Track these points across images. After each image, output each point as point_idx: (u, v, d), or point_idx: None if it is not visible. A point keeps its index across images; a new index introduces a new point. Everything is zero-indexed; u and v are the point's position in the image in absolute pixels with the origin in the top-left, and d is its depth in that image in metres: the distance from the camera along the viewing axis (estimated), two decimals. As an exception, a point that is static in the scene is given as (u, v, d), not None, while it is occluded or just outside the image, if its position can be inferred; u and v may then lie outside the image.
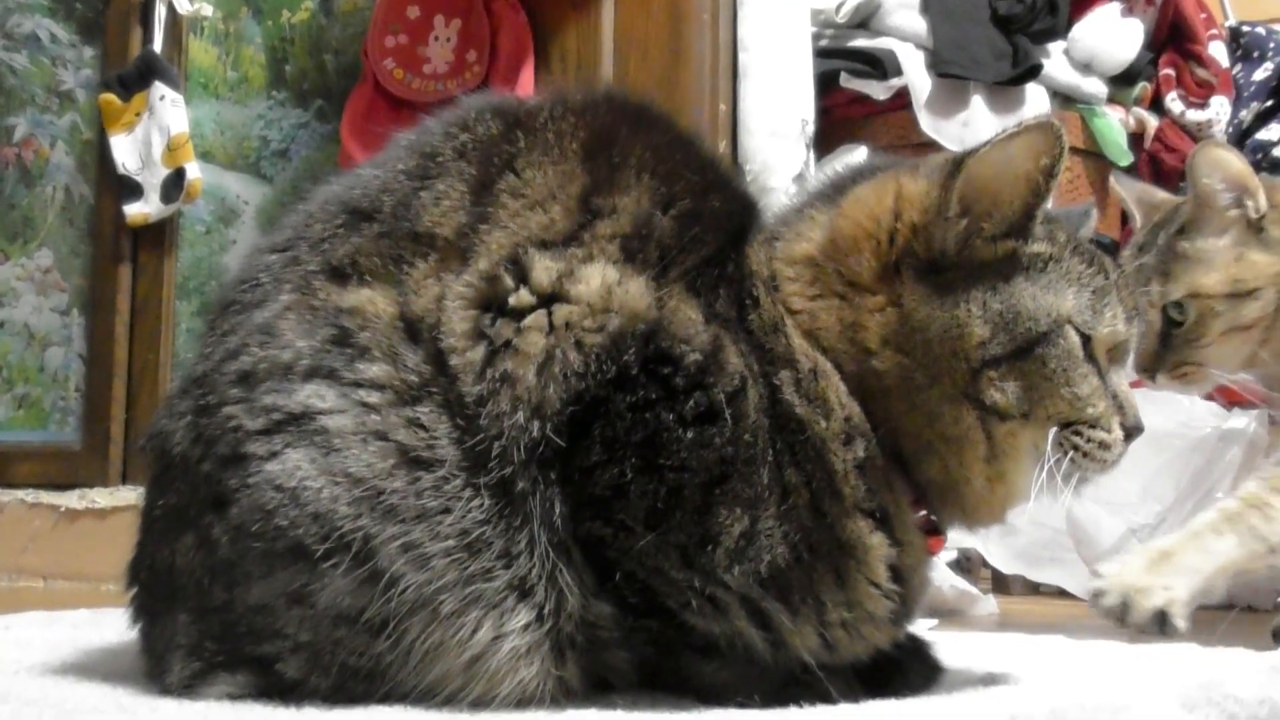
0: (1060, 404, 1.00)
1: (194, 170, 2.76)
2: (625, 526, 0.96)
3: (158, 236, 2.85)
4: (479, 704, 0.93)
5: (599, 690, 1.00)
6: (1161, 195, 1.91)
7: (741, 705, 0.95)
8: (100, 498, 2.38)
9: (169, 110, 2.78)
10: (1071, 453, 1.01)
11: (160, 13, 2.83)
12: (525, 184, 1.02)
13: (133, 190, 2.82)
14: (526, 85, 2.51)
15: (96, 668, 1.10)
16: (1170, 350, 1.68)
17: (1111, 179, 2.26)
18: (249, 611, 0.96)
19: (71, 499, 2.43)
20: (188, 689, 0.97)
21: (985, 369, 0.99)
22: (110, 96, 2.84)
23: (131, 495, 2.40)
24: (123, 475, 2.84)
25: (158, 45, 2.83)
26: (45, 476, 2.82)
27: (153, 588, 1.05)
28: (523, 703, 0.94)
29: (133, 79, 2.83)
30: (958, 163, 1.01)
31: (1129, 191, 1.90)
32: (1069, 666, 1.21)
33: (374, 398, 0.96)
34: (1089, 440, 1.01)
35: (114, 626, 1.15)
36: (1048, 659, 1.30)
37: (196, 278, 2.85)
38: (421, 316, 0.98)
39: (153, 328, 2.86)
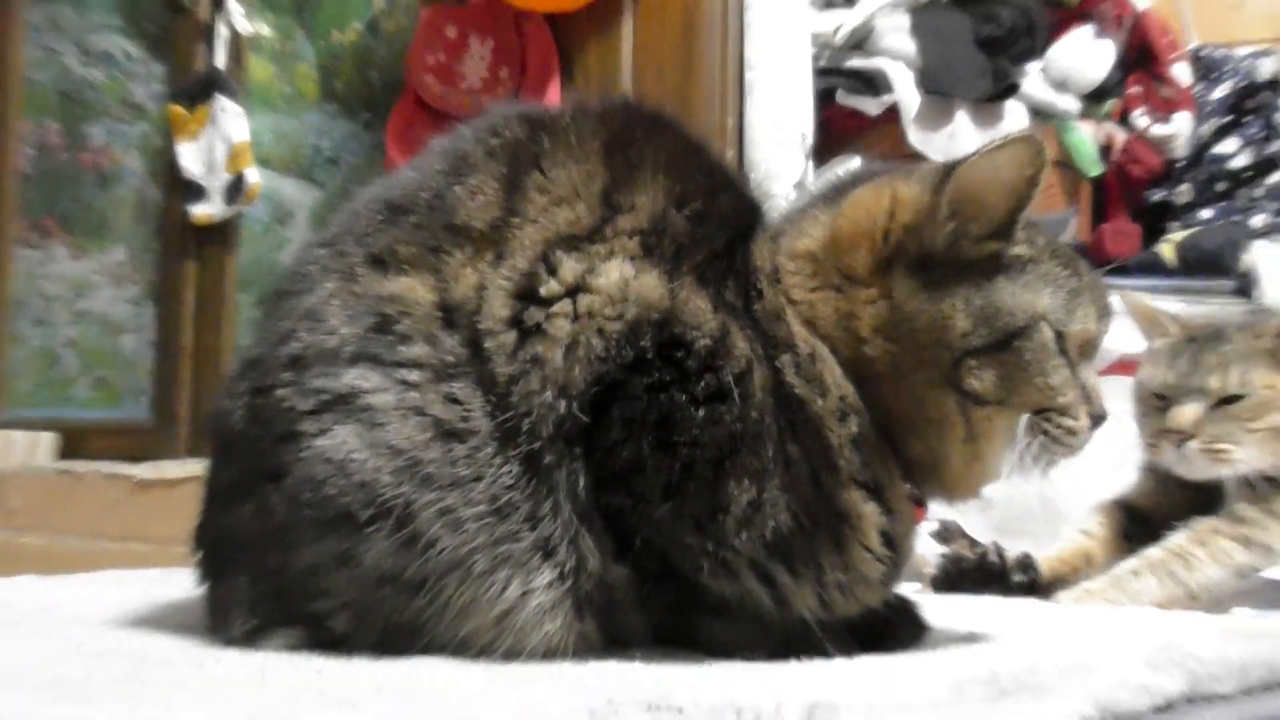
0: (1034, 392, 1.00)
1: (253, 175, 2.76)
2: (644, 498, 0.96)
3: (220, 235, 2.85)
4: (509, 655, 0.93)
5: (617, 645, 1.00)
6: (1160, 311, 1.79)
7: (747, 659, 0.95)
8: (169, 470, 2.38)
9: (230, 121, 2.78)
10: (1042, 437, 1.01)
11: (223, 32, 2.83)
12: (551, 181, 1.02)
13: (198, 193, 2.82)
14: (553, 98, 2.50)
15: (166, 621, 1.10)
16: (1215, 422, 1.56)
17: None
18: (302, 572, 0.96)
19: (143, 470, 2.43)
20: (248, 642, 0.97)
21: (966, 358, 0.99)
22: (178, 108, 2.84)
23: (197, 467, 2.40)
24: (189, 449, 2.85)
25: (220, 62, 2.84)
26: (119, 450, 2.82)
27: (216, 551, 1.05)
28: (548, 654, 0.94)
29: (198, 92, 2.84)
30: (949, 170, 1.00)
31: (1128, 302, 1.78)
32: (1041, 628, 1.21)
33: (414, 376, 0.96)
34: (1058, 426, 1.01)
35: (181, 585, 1.15)
36: (1022, 621, 1.29)
37: (255, 272, 2.85)
38: (460, 303, 0.97)
39: (215, 317, 2.87)
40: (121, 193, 2.98)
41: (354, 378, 0.96)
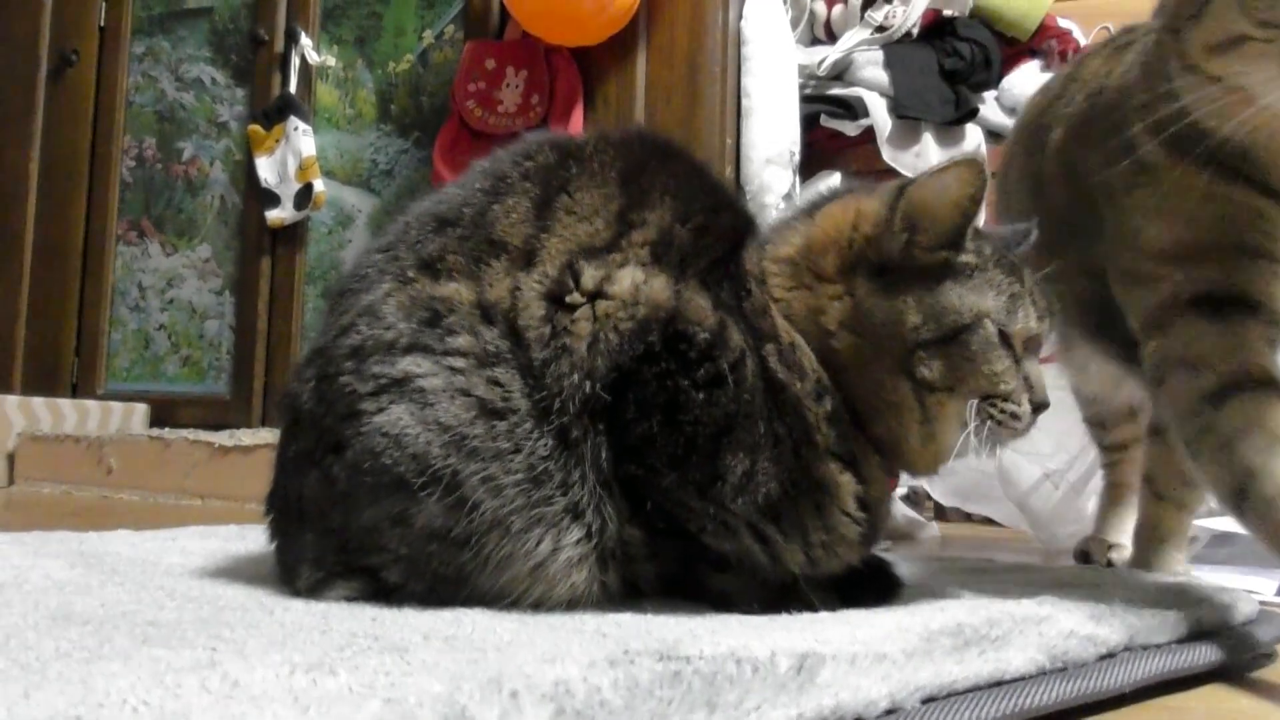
0: (979, 380, 0.99)
1: (320, 185, 2.75)
2: (654, 468, 0.95)
3: (291, 236, 2.84)
4: (539, 603, 0.93)
5: (632, 595, 0.99)
6: None
7: (745, 611, 0.94)
8: (245, 437, 2.37)
9: (301, 138, 2.76)
10: (988, 420, 1.00)
11: (295, 62, 2.81)
12: (576, 203, 1.02)
13: (272, 200, 2.81)
14: (577, 123, 2.48)
15: (242, 573, 1.09)
16: None
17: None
18: (360, 531, 0.96)
19: (223, 438, 2.42)
20: (313, 592, 0.96)
21: (917, 350, 0.98)
22: (256, 127, 2.82)
23: (268, 436, 2.40)
24: (262, 419, 2.84)
25: (293, 87, 2.82)
26: (202, 420, 2.82)
27: (285, 513, 1.05)
28: (573, 602, 0.93)
29: (274, 114, 2.82)
30: (901, 189, 1.01)
31: None
32: (999, 584, 1.19)
33: (459, 363, 0.95)
34: (1002, 411, 1.00)
35: (255, 540, 1.14)
36: (983, 577, 1.28)
37: (320, 268, 2.83)
38: (495, 303, 0.97)
39: (286, 306, 2.85)
40: (207, 199, 2.97)
41: (408, 364, 0.96)
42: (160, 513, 2.23)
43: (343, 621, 0.83)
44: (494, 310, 0.96)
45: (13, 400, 2.62)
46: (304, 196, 2.76)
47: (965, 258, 1.01)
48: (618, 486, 0.97)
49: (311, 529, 0.98)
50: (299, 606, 0.90)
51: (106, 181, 3.04)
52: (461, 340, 0.95)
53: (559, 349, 0.95)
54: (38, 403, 2.66)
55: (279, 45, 2.87)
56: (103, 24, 3.03)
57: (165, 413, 2.90)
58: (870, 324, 0.99)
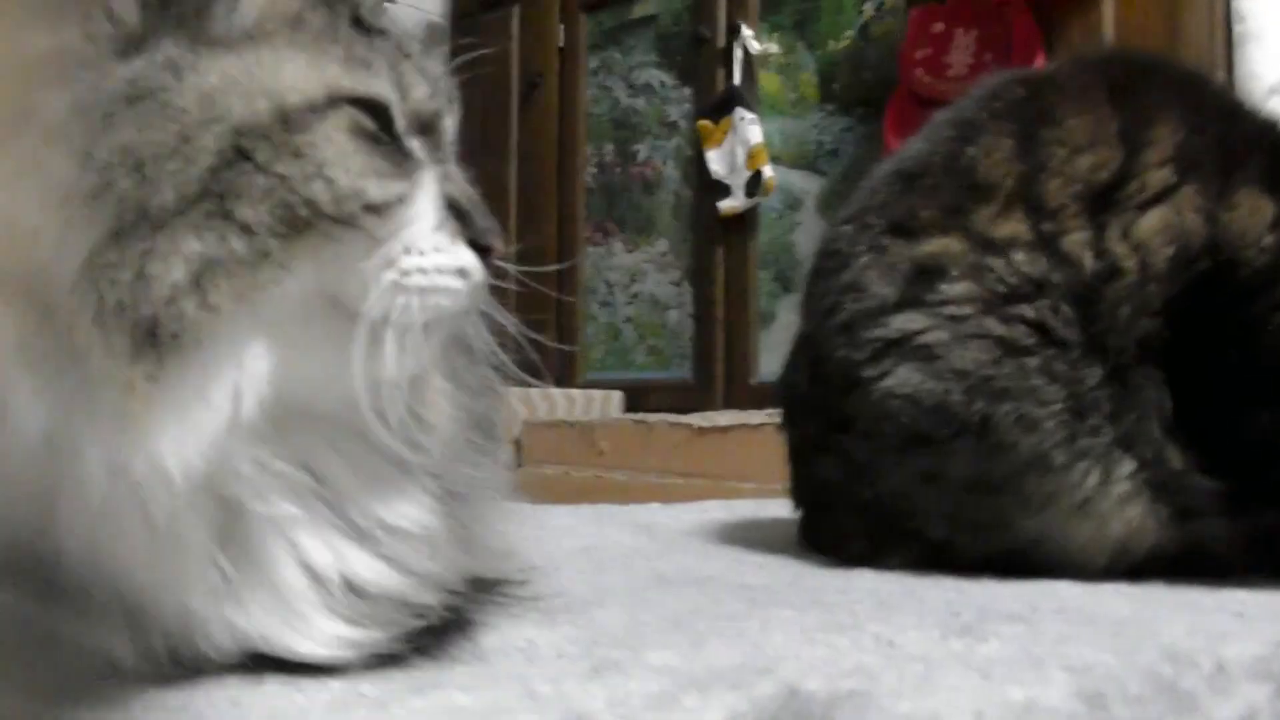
0: None
1: (768, 171, 2.83)
2: (1243, 408, 0.86)
3: (742, 223, 2.95)
4: (1088, 545, 0.87)
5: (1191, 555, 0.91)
6: None
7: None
8: (720, 419, 2.50)
9: (748, 127, 2.86)
10: None
11: (738, 54, 2.91)
12: (1067, 132, 0.94)
13: (724, 190, 2.94)
14: (1038, 76, 2.35)
15: (782, 542, 1.14)
16: None
17: None
18: (891, 498, 0.96)
19: (698, 419, 2.57)
20: (863, 563, 0.98)
21: None
22: (705, 122, 2.97)
23: (741, 417, 2.51)
24: (725, 401, 2.98)
25: (737, 79, 2.92)
26: (669, 404, 3.00)
27: (814, 501, 1.07)
28: (1125, 545, 0.87)
29: (720, 107, 2.94)
30: None
31: None
32: None
33: (964, 309, 0.92)
34: None
35: (775, 512, 1.18)
36: None
37: (772, 252, 2.92)
38: (1005, 243, 0.92)
39: (741, 292, 2.97)
40: (662, 196, 3.16)
41: (902, 322, 0.94)
42: (651, 490, 2.41)
43: (926, 591, 0.83)
44: (1004, 250, 0.92)
45: (516, 392, 2.96)
46: (754, 184, 2.86)
47: None
48: (1181, 430, 0.89)
49: (843, 508, 1.00)
50: (867, 575, 0.92)
51: (573, 189, 3.34)
52: (959, 288, 0.92)
53: (1099, 279, 0.89)
54: (534, 393, 2.98)
55: (721, 41, 2.99)
56: (561, 45, 3.33)
57: (636, 399, 3.13)
58: None
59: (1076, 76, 0.98)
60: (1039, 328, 0.90)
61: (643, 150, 3.20)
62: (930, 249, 0.95)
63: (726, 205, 2.93)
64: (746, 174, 2.88)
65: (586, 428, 2.69)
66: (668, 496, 2.35)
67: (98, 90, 0.48)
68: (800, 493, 1.09)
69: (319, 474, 0.57)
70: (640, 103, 3.21)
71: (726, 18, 2.98)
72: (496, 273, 0.60)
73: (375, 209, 0.53)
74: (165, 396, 0.47)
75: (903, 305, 0.94)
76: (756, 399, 2.84)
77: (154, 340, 0.46)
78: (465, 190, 0.60)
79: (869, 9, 2.74)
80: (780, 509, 1.23)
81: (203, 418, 0.48)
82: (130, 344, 0.46)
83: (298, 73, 0.52)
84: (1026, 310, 0.91)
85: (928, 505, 0.93)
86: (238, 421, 0.50)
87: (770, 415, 2.51)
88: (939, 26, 2.51)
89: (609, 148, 3.28)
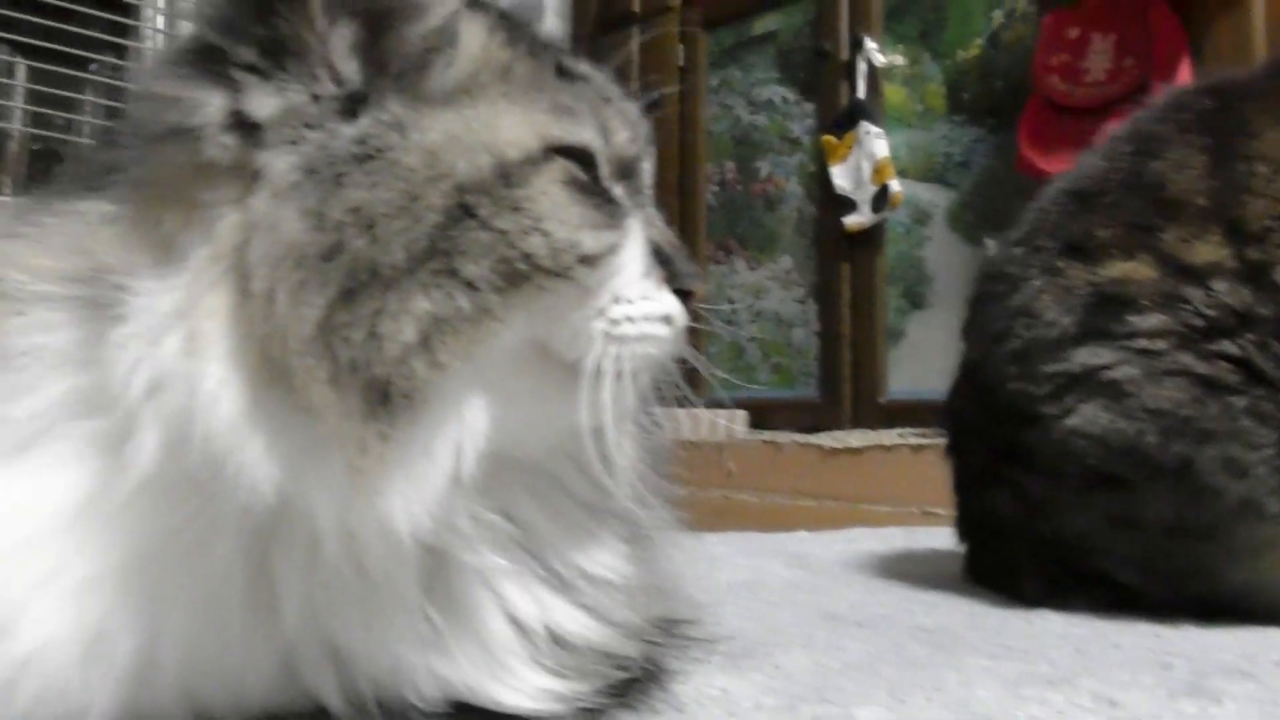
0: None
1: (895, 185, 2.78)
2: None
3: (869, 239, 2.90)
4: None
5: None
6: None
7: None
8: (852, 439, 2.46)
9: (873, 141, 2.82)
10: None
11: (862, 68, 2.87)
12: (1268, 145, 0.88)
13: (849, 206, 2.89)
14: (1184, 78, 2.25)
15: (943, 576, 1.11)
16: None
17: None
18: (1076, 537, 0.92)
19: (829, 439, 2.53)
20: (1039, 602, 0.94)
21: None
22: (829, 137, 2.93)
23: (875, 437, 2.46)
24: (853, 421, 2.92)
25: (861, 93, 2.88)
26: (795, 423, 2.96)
27: (983, 532, 1.04)
28: None
29: (844, 121, 2.90)
30: None
31: None
32: None
33: (1157, 344, 0.87)
34: None
35: (924, 542, 1.15)
36: None
37: (900, 268, 2.86)
38: (1204, 270, 0.87)
39: (868, 308, 2.92)
40: (785, 212, 3.13)
41: (1085, 356, 0.90)
42: (780, 513, 2.38)
43: (1122, 636, 0.80)
44: (1203, 278, 0.87)
45: (639, 412, 2.95)
46: (880, 198, 2.81)
47: None
48: None
49: (1017, 542, 0.96)
50: (1052, 616, 0.89)
51: (695, 207, 3.33)
52: (1152, 320, 0.87)
53: None
54: (659, 413, 2.97)
55: (844, 54, 2.95)
56: (681, 64, 3.33)
57: (761, 418, 3.10)
58: None
59: (1273, 85, 0.93)
60: (1244, 365, 0.85)
61: (764, 167, 3.18)
62: (1114, 274, 0.90)
63: (852, 221, 2.88)
64: (872, 189, 2.83)
65: (714, 448, 2.67)
66: (799, 519, 2.32)
67: (327, 151, 0.48)
68: (967, 525, 1.05)
69: (521, 523, 0.57)
70: (761, 119, 3.18)
71: (849, 31, 2.94)
72: (695, 315, 0.59)
73: (589, 260, 0.53)
74: (395, 455, 0.47)
75: (1085, 337, 0.91)
76: (886, 417, 2.78)
77: (386, 399, 0.47)
78: (666, 234, 0.59)
79: (998, 16, 2.67)
80: (932, 538, 1.20)
81: (429, 474, 0.49)
82: (363, 404, 0.46)
83: (513, 126, 0.52)
84: (1229, 346, 0.86)
85: (1117, 548, 0.89)
86: (458, 476, 0.51)
87: (902, 435, 2.46)
88: (1074, 31, 2.43)
89: (730, 165, 3.26)
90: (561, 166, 0.53)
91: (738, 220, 3.26)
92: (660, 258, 0.58)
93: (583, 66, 0.60)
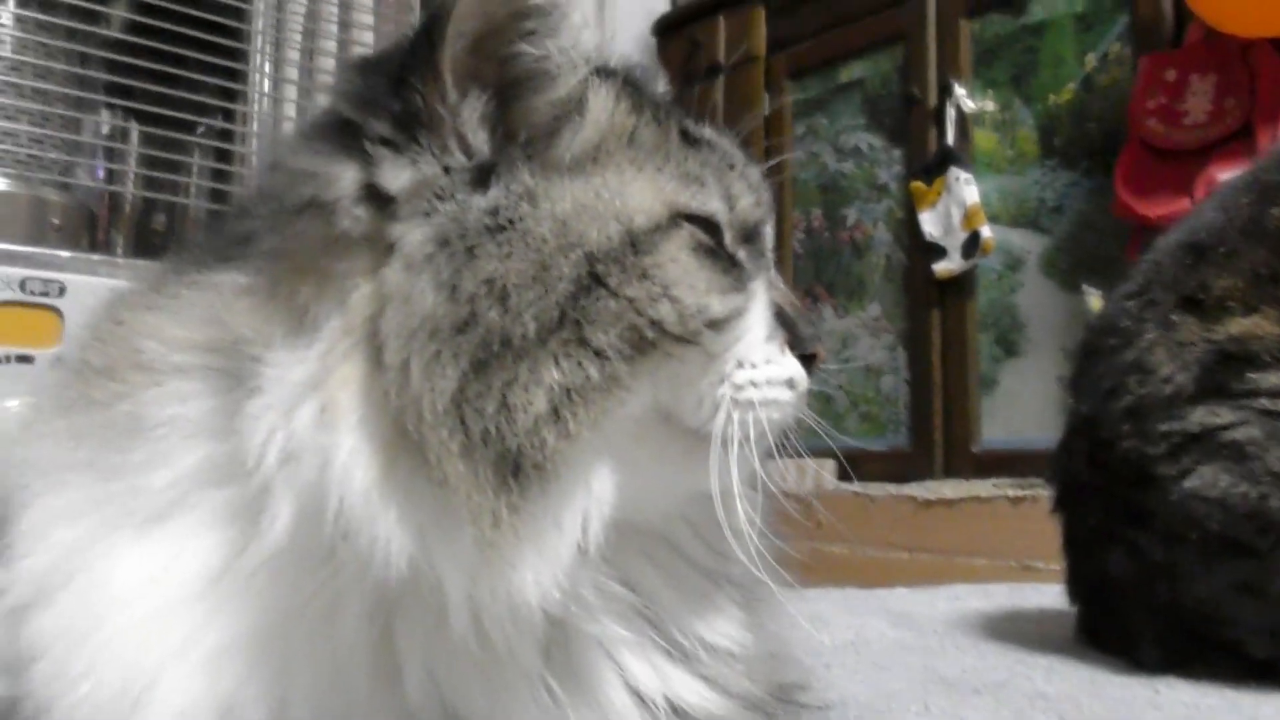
0: None
1: (986, 231, 2.74)
2: None
3: (960, 285, 2.86)
4: None
5: None
6: None
7: None
8: (946, 490, 2.41)
9: (963, 187, 2.79)
10: None
11: (951, 113, 2.85)
12: None
13: (939, 252, 2.86)
14: (1290, 120, 2.19)
15: (1055, 637, 1.07)
16: None
17: None
18: (1199, 604, 0.89)
19: (923, 490, 2.48)
20: (1161, 668, 0.91)
21: None
22: (918, 183, 2.90)
23: (970, 488, 2.41)
24: (945, 470, 2.86)
25: (950, 139, 2.85)
26: (885, 473, 2.92)
27: (1097, 593, 1.00)
28: None
29: (934, 168, 2.88)
30: None
31: None
32: None
33: (1277, 404, 0.84)
34: None
35: (1032, 600, 1.11)
36: None
37: (992, 315, 2.81)
38: None
39: (960, 356, 2.87)
40: (873, 259, 3.11)
41: (1203, 415, 0.87)
42: (873, 566, 2.34)
43: (1259, 709, 0.76)
44: None
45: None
46: (971, 244, 2.77)
47: None
48: None
49: (1135, 606, 0.93)
50: (1179, 686, 0.85)
51: (782, 255, 3.32)
52: (1275, 378, 0.84)
53: None
54: (747, 462, 2.96)
55: (932, 100, 2.93)
56: (767, 113, 3.34)
57: (849, 467, 3.05)
58: None
59: None
60: None
61: (851, 214, 3.16)
62: (1234, 329, 0.88)
63: (942, 267, 2.84)
64: (963, 235, 2.79)
65: (804, 499, 2.64)
66: (893, 573, 2.27)
67: (459, 222, 0.49)
68: (1080, 586, 1.02)
69: (641, 591, 0.57)
70: (849, 166, 3.17)
71: (937, 77, 2.93)
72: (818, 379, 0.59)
73: (715, 324, 0.53)
74: (527, 527, 0.47)
75: (1203, 395, 0.88)
76: (979, 467, 2.72)
77: (517, 470, 0.47)
78: (788, 297, 0.59)
79: (1091, 60, 2.63)
80: (1038, 595, 1.17)
81: (559, 545, 0.49)
82: (495, 475, 0.47)
83: (641, 193, 0.53)
84: None
85: (1245, 618, 0.86)
86: (585, 546, 0.50)
87: (998, 486, 2.40)
88: (1172, 74, 2.38)
89: (816, 212, 3.26)
90: (688, 233, 0.53)
91: (825, 267, 3.24)
92: (783, 320, 0.58)
93: (706, 131, 0.60)
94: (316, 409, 0.49)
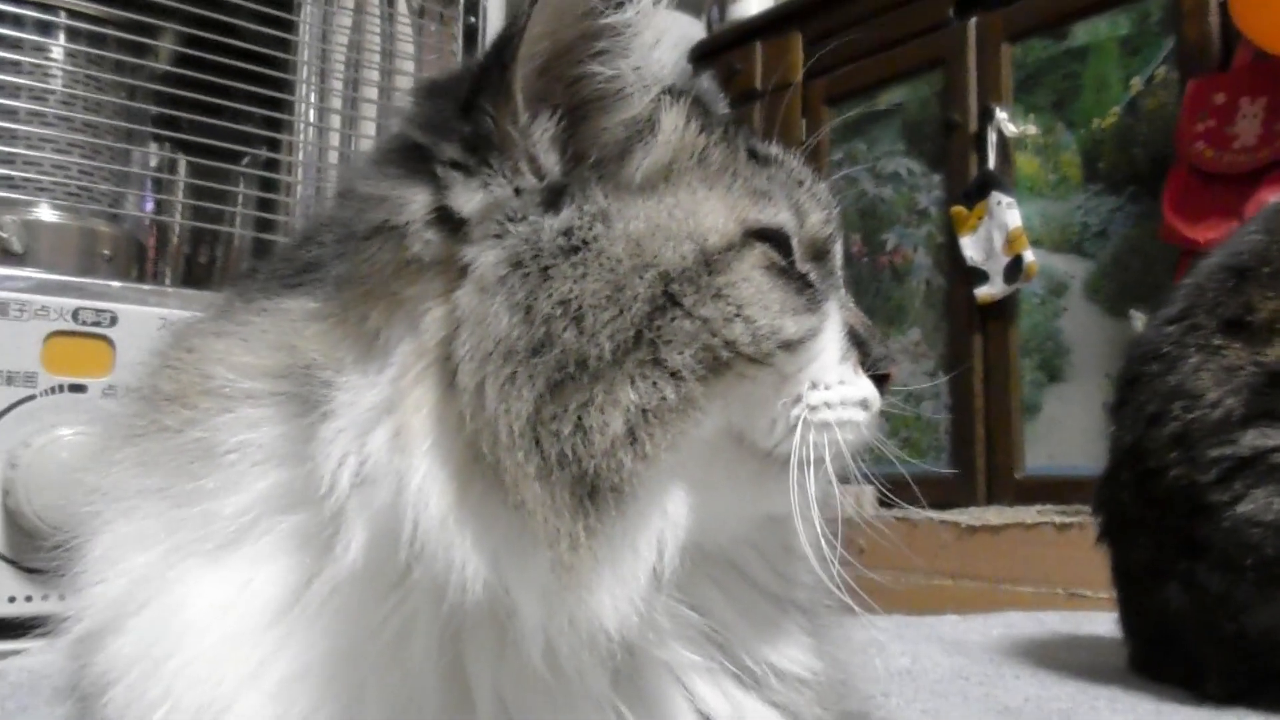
0: None
1: (1028, 256, 2.73)
2: None
3: (1001, 310, 2.84)
4: None
5: None
6: None
7: None
8: (990, 516, 2.38)
9: (1005, 212, 2.77)
10: None
11: (992, 138, 2.84)
12: None
13: (980, 277, 2.84)
14: (1341, 142, 2.16)
15: (1109, 665, 1.05)
16: None
17: None
18: (1261, 634, 0.86)
19: (967, 517, 2.45)
20: (1229, 701, 0.89)
21: None
22: (959, 208, 2.89)
23: (1013, 514, 2.38)
24: (987, 497, 2.83)
25: (991, 163, 2.84)
26: (923, 498, 2.88)
27: (1156, 629, 0.99)
28: None
29: (974, 192, 2.87)
30: None
31: None
32: None
33: None
34: None
35: (1081, 627, 1.10)
36: None
37: (1035, 339, 2.79)
38: None
39: (1002, 381, 2.84)
40: (913, 284, 3.09)
41: (1254, 439, 0.85)
42: (917, 593, 2.31)
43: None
44: None
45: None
46: (1014, 269, 2.75)
47: None
48: None
49: (1198, 639, 0.91)
50: (1246, 717, 0.83)
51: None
52: None
53: None
54: (787, 489, 2.94)
55: (973, 125, 2.92)
56: (803, 139, 3.35)
57: (890, 493, 3.03)
58: None
59: None
60: None
61: (891, 239, 3.15)
62: (1276, 352, 0.87)
63: (984, 292, 2.83)
64: (1005, 259, 2.78)
65: (847, 525, 2.62)
66: (938, 600, 2.24)
67: (532, 243, 0.49)
68: (1135, 620, 1.01)
69: (709, 615, 0.56)
70: (888, 191, 3.17)
71: (978, 102, 2.92)
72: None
73: (790, 345, 0.52)
74: (604, 550, 0.47)
75: (1253, 418, 0.87)
76: (1023, 494, 2.69)
77: (594, 493, 0.47)
78: (860, 316, 0.59)
79: (1137, 83, 2.62)
80: (1091, 623, 1.15)
81: (634, 569, 0.49)
82: (571, 498, 0.46)
83: (714, 212, 0.52)
84: None
85: None
86: (660, 570, 0.50)
87: (1043, 513, 2.37)
88: (1221, 97, 2.36)
89: (855, 237, 3.25)
90: (761, 252, 0.53)
91: (864, 292, 3.23)
92: (855, 340, 0.58)
93: (773, 149, 0.60)
94: (390, 433, 0.49)
